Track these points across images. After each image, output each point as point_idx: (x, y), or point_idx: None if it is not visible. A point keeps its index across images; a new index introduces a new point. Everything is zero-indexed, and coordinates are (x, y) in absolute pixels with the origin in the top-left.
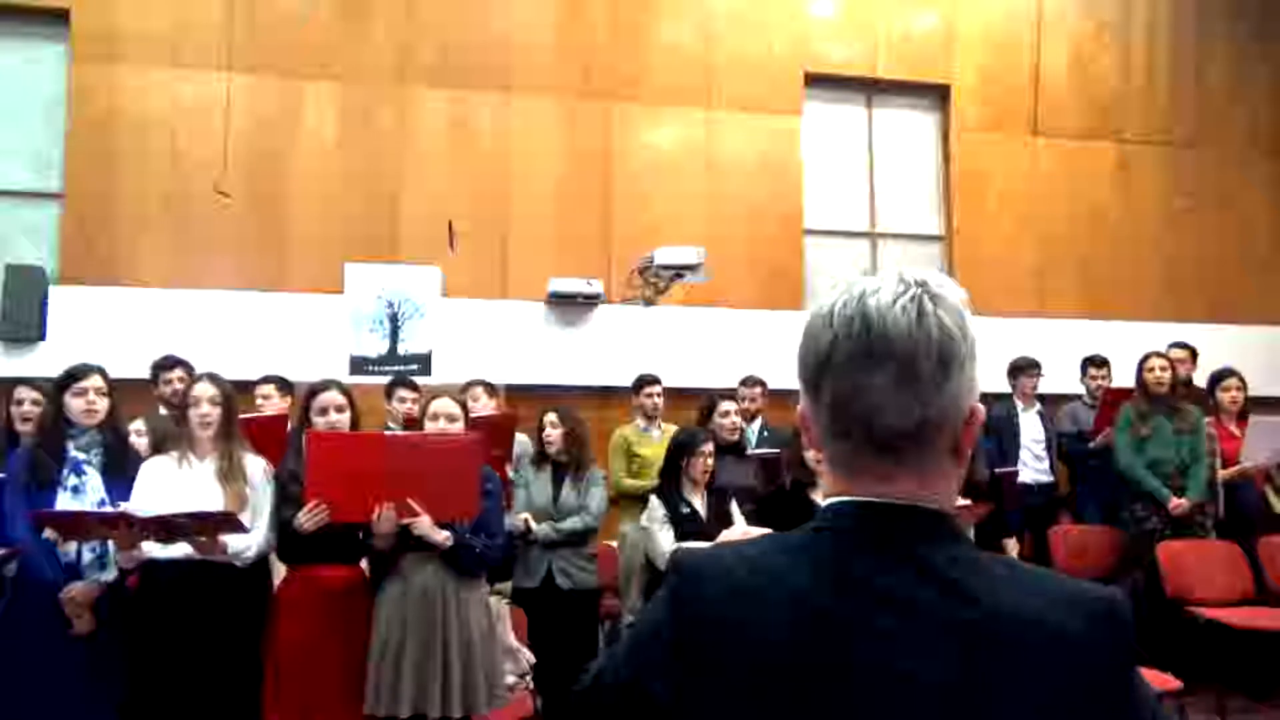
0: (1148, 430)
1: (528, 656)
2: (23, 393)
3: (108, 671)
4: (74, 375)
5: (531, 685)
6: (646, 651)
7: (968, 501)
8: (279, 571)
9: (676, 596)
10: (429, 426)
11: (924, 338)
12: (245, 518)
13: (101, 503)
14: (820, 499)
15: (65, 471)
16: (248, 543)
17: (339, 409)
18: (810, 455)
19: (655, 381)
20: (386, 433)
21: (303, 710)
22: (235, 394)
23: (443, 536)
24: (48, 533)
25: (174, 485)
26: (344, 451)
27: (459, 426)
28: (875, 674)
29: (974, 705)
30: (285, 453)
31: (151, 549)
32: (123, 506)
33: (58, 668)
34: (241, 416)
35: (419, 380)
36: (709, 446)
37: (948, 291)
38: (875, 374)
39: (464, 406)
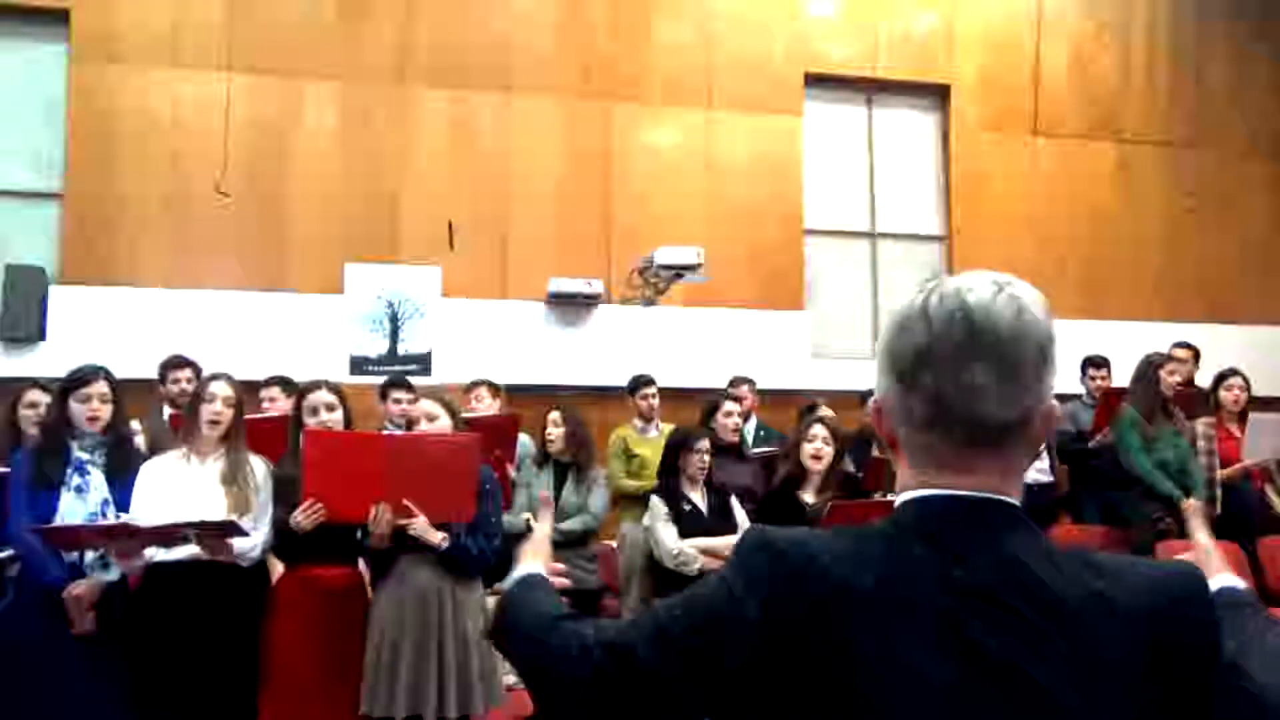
0: (1154, 432)
1: None
2: (37, 396)
3: (110, 671)
4: (78, 380)
5: None
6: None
7: None
8: (278, 571)
9: (764, 565)
10: (416, 429)
11: (1026, 332)
12: (249, 519)
13: (105, 503)
14: (803, 499)
15: (69, 472)
16: (253, 543)
17: (329, 408)
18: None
19: (650, 382)
20: (384, 432)
21: (299, 710)
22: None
23: (439, 538)
24: None
25: (177, 487)
26: (341, 450)
27: (439, 425)
28: (999, 668)
29: (1080, 687)
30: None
31: (155, 553)
32: (123, 517)
33: (60, 667)
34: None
35: (419, 380)
36: (704, 443)
37: (1031, 292)
38: (979, 366)
39: (450, 408)
